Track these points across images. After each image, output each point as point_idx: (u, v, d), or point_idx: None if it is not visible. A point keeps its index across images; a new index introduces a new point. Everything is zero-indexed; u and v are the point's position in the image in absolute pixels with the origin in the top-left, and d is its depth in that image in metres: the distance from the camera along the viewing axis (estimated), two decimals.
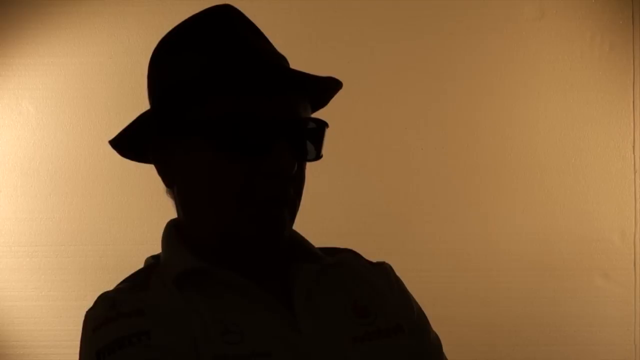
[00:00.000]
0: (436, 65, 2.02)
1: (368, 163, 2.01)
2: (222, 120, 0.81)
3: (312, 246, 0.95)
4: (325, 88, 0.91)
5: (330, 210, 1.97)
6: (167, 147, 0.87)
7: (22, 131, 2.05)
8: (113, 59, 2.04)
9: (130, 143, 0.91)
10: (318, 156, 0.88)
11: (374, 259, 1.03)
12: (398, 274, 1.02)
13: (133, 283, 0.88)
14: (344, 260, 0.97)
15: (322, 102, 0.94)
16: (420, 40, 2.02)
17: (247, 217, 0.83)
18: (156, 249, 0.94)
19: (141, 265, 0.94)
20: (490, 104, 2.01)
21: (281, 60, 0.89)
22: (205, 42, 0.86)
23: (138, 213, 1.99)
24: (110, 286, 0.90)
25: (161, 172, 0.90)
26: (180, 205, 0.90)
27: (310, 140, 0.86)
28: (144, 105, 0.92)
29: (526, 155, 2.01)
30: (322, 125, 0.88)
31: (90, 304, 0.86)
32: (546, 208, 1.99)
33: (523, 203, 2.00)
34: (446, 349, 0.99)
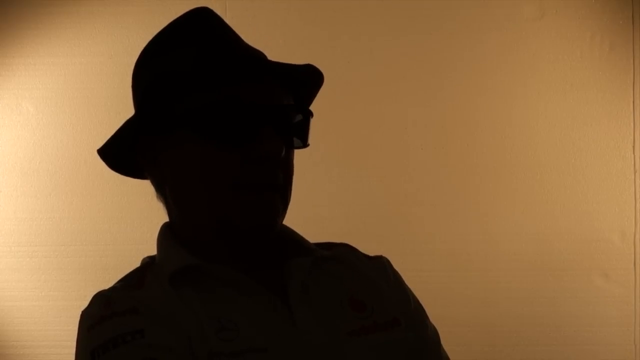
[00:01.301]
0: (436, 65, 2.02)
1: (368, 163, 2.01)
2: (205, 109, 0.82)
3: (306, 241, 0.95)
4: (306, 78, 0.91)
5: (330, 210, 1.97)
6: (154, 146, 0.87)
7: (22, 131, 2.05)
8: (113, 59, 2.04)
9: (119, 153, 0.91)
10: (305, 144, 0.88)
11: None
12: (399, 272, 1.02)
13: (128, 282, 0.88)
14: (339, 254, 0.97)
15: (307, 97, 0.95)
16: (420, 40, 2.02)
17: (240, 203, 0.83)
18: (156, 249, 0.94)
19: None
20: (490, 103, 2.01)
21: (259, 53, 0.90)
22: (184, 43, 0.87)
23: (138, 213, 1.99)
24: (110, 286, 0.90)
25: (151, 174, 0.91)
26: (172, 203, 0.90)
27: (295, 127, 0.87)
28: None
29: (526, 155, 2.00)
30: (307, 112, 0.88)
31: None
32: (546, 208, 1.99)
33: (523, 203, 2.00)
34: (446, 349, 0.99)
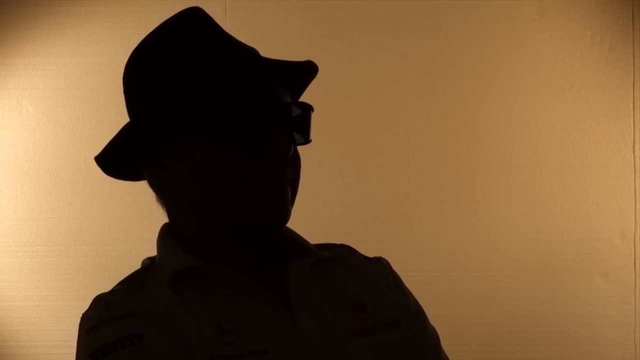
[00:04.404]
0: (436, 65, 2.02)
1: (368, 163, 2.01)
2: (212, 112, 0.82)
3: (307, 242, 0.95)
4: (303, 74, 0.92)
5: (330, 210, 1.97)
6: (158, 152, 0.87)
7: (22, 131, 2.05)
8: (113, 59, 2.04)
9: (116, 159, 0.91)
10: (307, 140, 0.89)
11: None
12: (398, 273, 1.02)
13: (128, 285, 0.88)
14: (339, 255, 0.97)
15: (298, 92, 0.95)
16: (420, 40, 2.02)
17: (252, 196, 0.83)
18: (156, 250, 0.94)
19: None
20: (491, 104, 2.01)
21: (254, 51, 0.91)
22: (182, 44, 0.87)
23: (138, 213, 1.99)
24: (110, 286, 0.90)
25: (155, 179, 0.90)
26: (179, 205, 0.90)
27: (298, 124, 0.87)
28: None
29: (526, 155, 2.01)
30: (308, 108, 0.89)
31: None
32: (546, 208, 1.99)
33: (523, 203, 2.00)
34: (446, 349, 0.99)
